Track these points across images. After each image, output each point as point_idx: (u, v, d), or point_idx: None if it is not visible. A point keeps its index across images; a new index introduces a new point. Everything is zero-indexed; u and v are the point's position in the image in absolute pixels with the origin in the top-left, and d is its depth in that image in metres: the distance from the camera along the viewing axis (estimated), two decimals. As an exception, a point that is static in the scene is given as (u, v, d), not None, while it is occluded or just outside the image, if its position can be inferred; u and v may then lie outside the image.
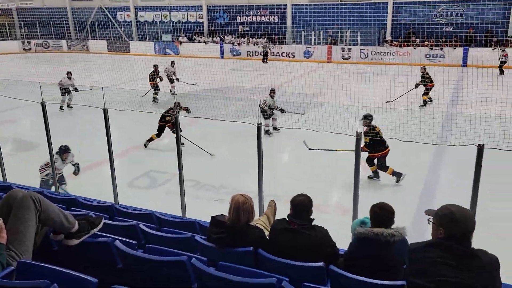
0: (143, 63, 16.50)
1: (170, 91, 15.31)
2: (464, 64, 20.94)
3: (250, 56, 25.85)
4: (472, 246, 2.08)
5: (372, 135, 7.23)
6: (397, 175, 7.43)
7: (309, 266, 2.72)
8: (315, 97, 14.38)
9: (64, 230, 2.52)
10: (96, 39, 30.30)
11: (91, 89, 12.69)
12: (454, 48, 21.51)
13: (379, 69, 19.42)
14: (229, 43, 26.66)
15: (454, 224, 2.05)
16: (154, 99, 14.31)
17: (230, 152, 9.12)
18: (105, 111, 5.71)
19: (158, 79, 14.55)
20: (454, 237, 2.04)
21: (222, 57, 26.28)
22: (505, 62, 18.23)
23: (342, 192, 7.08)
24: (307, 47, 24.94)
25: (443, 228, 2.09)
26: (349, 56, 23.76)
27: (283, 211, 3.26)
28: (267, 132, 10.41)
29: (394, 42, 23.22)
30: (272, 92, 10.73)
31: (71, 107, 13.68)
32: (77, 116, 13.14)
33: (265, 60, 23.83)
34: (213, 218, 3.11)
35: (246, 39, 26.30)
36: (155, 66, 14.76)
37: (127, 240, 2.83)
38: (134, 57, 25.14)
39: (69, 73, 13.75)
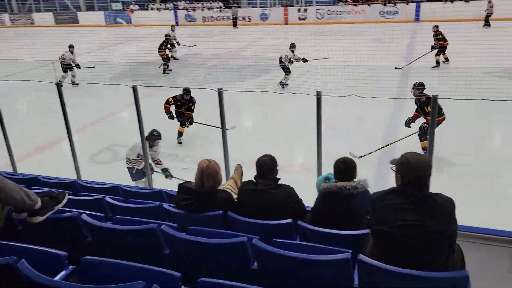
0: (94, 34, 15.81)
1: (172, 56, 14.77)
2: (417, 19, 21.33)
3: (206, 21, 25.25)
4: (429, 191, 2.19)
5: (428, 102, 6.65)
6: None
7: (278, 224, 2.79)
8: (275, 60, 14.32)
9: (26, 208, 2.45)
10: (41, 11, 28.64)
11: (94, 67, 11.79)
12: (407, 4, 21.78)
13: (336, 28, 19.50)
14: (183, 9, 25.87)
15: (409, 170, 2.15)
16: (165, 70, 13.47)
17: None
18: (58, 85, 5.48)
19: (167, 50, 13.85)
20: (411, 183, 2.13)
21: (177, 24, 25.52)
22: (491, 14, 18.40)
23: (307, 152, 7.21)
24: (263, 9, 24.58)
25: (400, 175, 2.19)
26: (306, 17, 23.64)
27: (251, 175, 3.30)
28: (282, 84, 11.15)
29: (349, 1, 23.24)
30: (293, 47, 11.22)
31: (77, 84, 12.23)
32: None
33: (235, 25, 23.37)
34: (180, 185, 3.11)
35: (200, 4, 25.60)
36: (167, 36, 13.98)
37: (94, 213, 2.80)
38: (84, 29, 24.02)
39: (71, 46, 12.51)
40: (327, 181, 3.27)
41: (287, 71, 11.11)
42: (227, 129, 8.20)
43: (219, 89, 4.77)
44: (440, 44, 12.16)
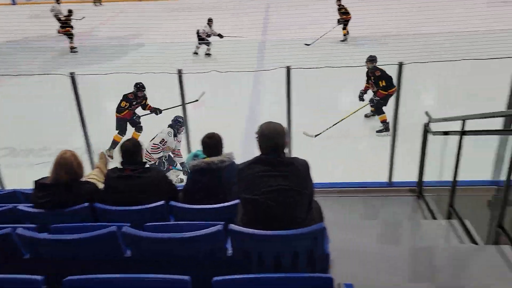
0: None
1: (58, 32, 13.49)
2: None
3: (49, -1, 22.82)
4: (287, 156, 2.36)
5: (386, 75, 6.90)
6: (385, 127, 7.05)
7: (150, 207, 2.74)
8: (132, 39, 13.69)
9: None
10: None
11: None
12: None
13: (192, 3, 19.32)
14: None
15: (266, 138, 2.28)
16: (73, 48, 12.44)
17: (45, 109, 8.17)
18: None
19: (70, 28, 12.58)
20: (269, 150, 2.27)
21: (14, 3, 22.60)
22: None
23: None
24: (113, -15, 23.06)
25: (260, 144, 2.31)
26: (161, -7, 22.86)
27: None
28: (196, 53, 11.95)
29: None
30: (210, 21, 11.90)
31: None
32: None
33: (97, 1, 21.33)
34: (35, 182, 2.84)
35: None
36: (70, 11, 12.83)
37: None
38: None
39: None
40: (196, 158, 3.31)
41: (207, 43, 11.75)
42: (197, 100, 7.59)
43: (71, 73, 4.42)
44: (344, 18, 12.37)
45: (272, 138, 2.27)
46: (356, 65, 5.98)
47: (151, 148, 5.85)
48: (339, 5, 12.55)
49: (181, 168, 6.09)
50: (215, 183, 2.96)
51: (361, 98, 7.32)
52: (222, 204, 2.67)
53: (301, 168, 2.29)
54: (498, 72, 5.04)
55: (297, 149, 4.32)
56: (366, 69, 7.20)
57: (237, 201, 2.62)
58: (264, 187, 2.20)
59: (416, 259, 2.95)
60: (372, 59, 7.14)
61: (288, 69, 4.42)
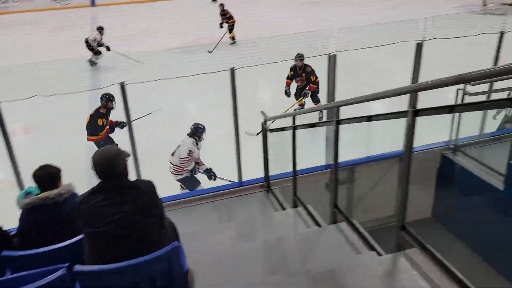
0: None
1: None
2: (93, 3, 21.15)
3: None
4: (130, 179, 2.27)
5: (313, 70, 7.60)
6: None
7: (-24, 265, 2.36)
8: None
9: None
10: None
11: None
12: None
13: (8, 19, 17.33)
14: None
15: (100, 166, 2.16)
16: None
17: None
18: None
19: None
20: (107, 177, 2.16)
21: None
22: None
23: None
24: None
25: (96, 172, 2.18)
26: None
27: None
28: (91, 62, 11.44)
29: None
30: (101, 29, 11.41)
31: None
32: None
33: None
34: None
35: None
36: None
37: None
38: None
39: None
40: (29, 196, 2.96)
41: (97, 52, 11.29)
42: (150, 113, 7.07)
43: None
44: (230, 22, 12.73)
45: (106, 164, 2.16)
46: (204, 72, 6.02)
47: (182, 163, 5.62)
48: (222, 9, 12.97)
49: (206, 173, 5.89)
50: (55, 220, 2.68)
51: (287, 94, 7.84)
52: (64, 243, 2.44)
53: (146, 188, 2.23)
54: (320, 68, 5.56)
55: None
56: (294, 66, 7.79)
57: (81, 236, 2.43)
58: (108, 217, 2.08)
59: (270, 251, 3.12)
60: (301, 57, 7.62)
61: (123, 85, 4.27)
